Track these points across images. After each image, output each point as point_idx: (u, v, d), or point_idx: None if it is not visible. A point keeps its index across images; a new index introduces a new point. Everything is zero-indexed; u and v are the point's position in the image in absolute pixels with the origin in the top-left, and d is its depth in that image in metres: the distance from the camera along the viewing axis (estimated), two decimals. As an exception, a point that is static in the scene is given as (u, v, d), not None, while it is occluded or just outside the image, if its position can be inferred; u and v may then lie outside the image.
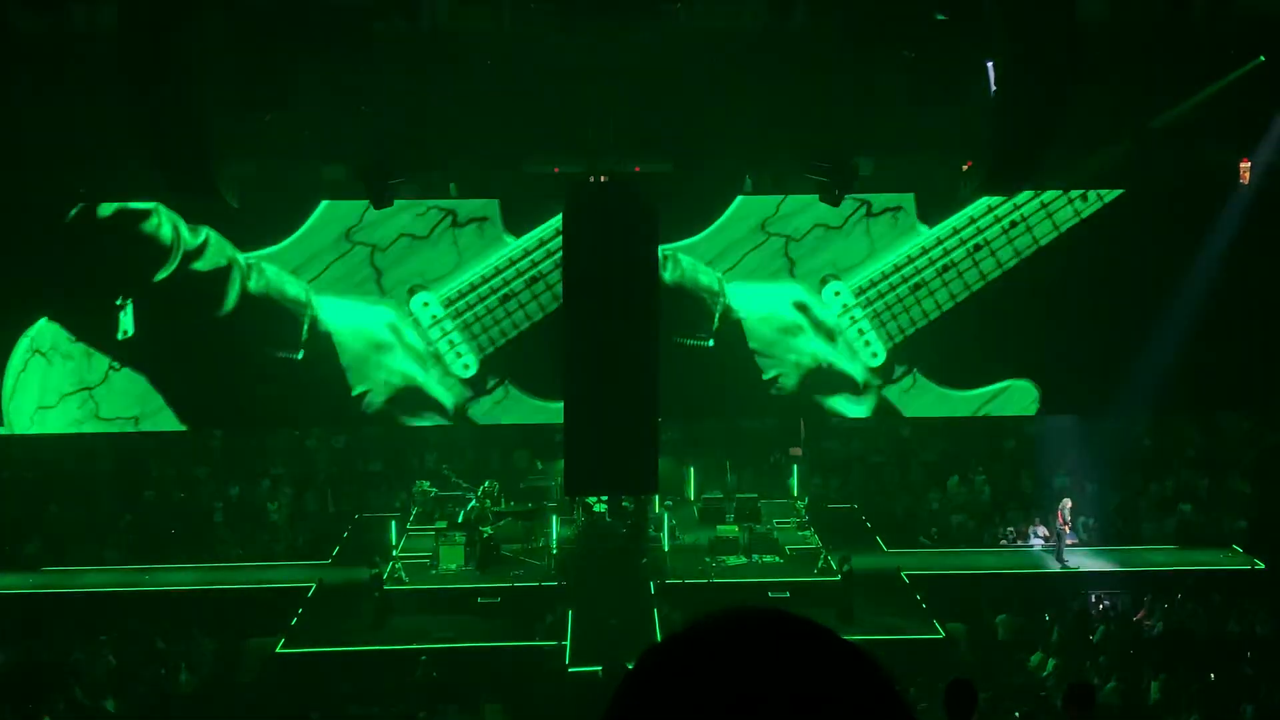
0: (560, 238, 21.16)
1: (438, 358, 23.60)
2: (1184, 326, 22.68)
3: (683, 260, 23.15)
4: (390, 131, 18.57)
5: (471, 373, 23.81)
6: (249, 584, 23.42)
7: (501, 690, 19.75)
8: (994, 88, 15.95)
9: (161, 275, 22.70)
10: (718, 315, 23.28)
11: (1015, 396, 24.23)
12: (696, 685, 1.44)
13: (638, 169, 19.35)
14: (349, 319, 23.31)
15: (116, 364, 23.15)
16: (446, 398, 23.85)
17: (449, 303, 23.41)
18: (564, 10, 15.90)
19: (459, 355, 23.69)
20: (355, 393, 23.50)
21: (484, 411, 24.13)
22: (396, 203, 21.01)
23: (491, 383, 23.91)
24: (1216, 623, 22.04)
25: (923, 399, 24.26)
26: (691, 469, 27.40)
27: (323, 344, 23.29)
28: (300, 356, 23.20)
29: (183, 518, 26.22)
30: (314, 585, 23.32)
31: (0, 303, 22.79)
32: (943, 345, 23.82)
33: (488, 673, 20.27)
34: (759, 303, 23.50)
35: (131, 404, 23.36)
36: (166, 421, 23.62)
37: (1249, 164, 20.81)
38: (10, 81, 16.63)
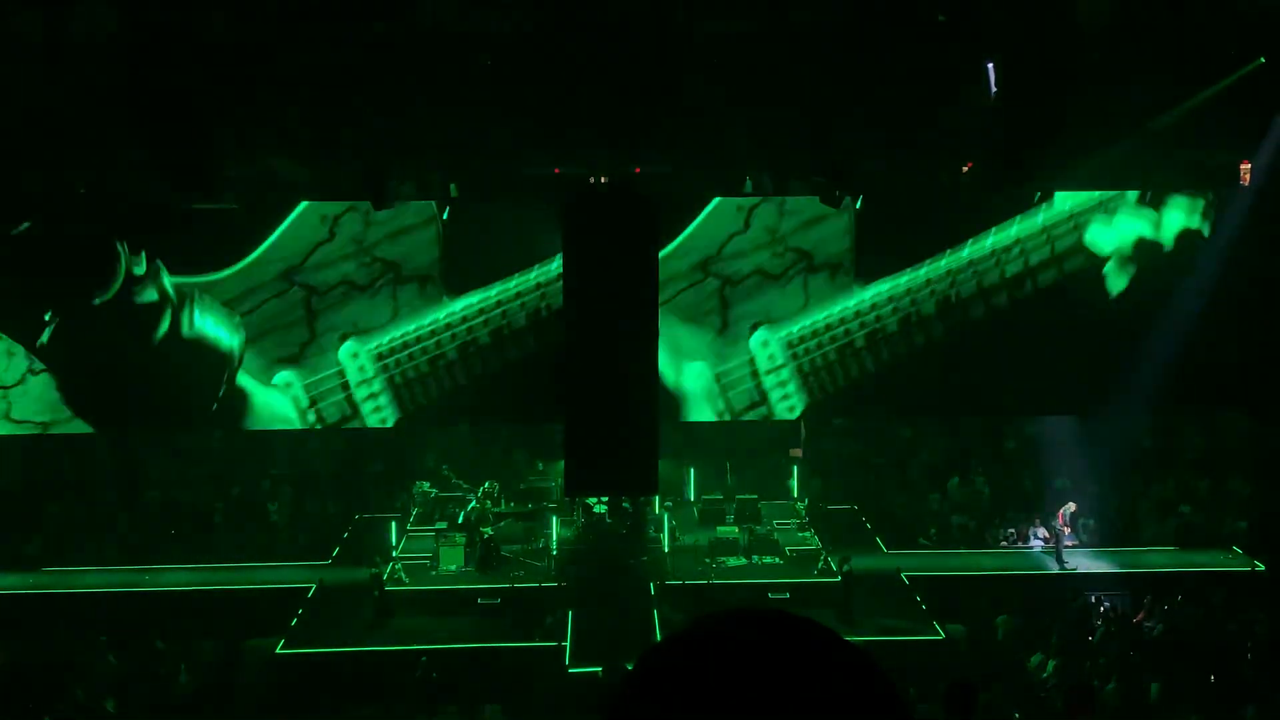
0: (498, 307, 22.69)
1: (353, 405, 23.79)
2: (1185, 326, 22.70)
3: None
4: (390, 132, 18.58)
5: (389, 427, 24.21)
6: (249, 584, 23.41)
7: (501, 691, 19.76)
8: (994, 89, 15.95)
9: (102, 299, 22.72)
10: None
11: None
12: (697, 686, 1.44)
13: (637, 170, 19.34)
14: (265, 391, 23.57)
15: (37, 367, 23.20)
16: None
17: (379, 357, 23.50)
18: (564, 10, 15.91)
19: (377, 409, 23.86)
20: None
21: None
22: (343, 249, 21.22)
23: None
24: (1216, 624, 22.03)
25: None
26: (692, 470, 27.40)
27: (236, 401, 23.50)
28: (214, 409, 23.45)
29: (183, 518, 26.22)
30: (314, 586, 23.31)
31: None
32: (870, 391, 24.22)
33: (488, 673, 20.27)
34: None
35: (44, 410, 23.41)
36: (77, 427, 23.73)
37: (1249, 165, 20.81)
38: (10, 81, 16.64)
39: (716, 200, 23.41)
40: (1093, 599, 23.18)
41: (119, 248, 22.67)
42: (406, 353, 23.44)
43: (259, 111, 17.24)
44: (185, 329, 22.87)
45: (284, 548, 25.38)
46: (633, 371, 18.22)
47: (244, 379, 23.34)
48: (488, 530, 24.16)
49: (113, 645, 21.36)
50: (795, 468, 27.71)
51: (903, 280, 23.61)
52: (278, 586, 23.28)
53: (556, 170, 19.48)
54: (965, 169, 19.36)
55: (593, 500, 25.00)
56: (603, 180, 18.80)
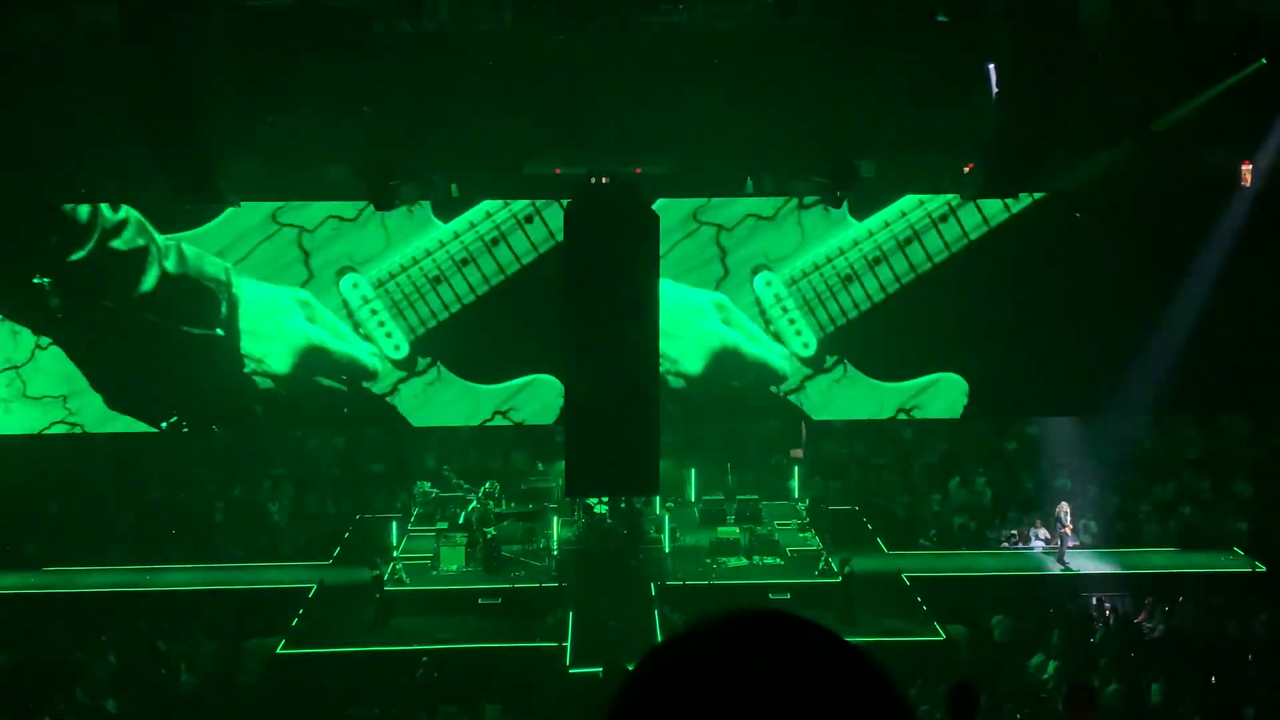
0: (487, 221, 22.22)
1: (368, 338, 23.54)
2: (1185, 328, 22.70)
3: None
4: (392, 132, 18.59)
5: (403, 354, 23.73)
6: (250, 584, 23.41)
7: (502, 691, 19.75)
8: (995, 89, 15.96)
9: (77, 255, 22.61)
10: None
11: (943, 391, 24.29)
12: (698, 687, 1.44)
13: (639, 170, 19.35)
14: (267, 302, 23.31)
15: (44, 342, 23.19)
16: (373, 363, 23.86)
17: (379, 284, 23.29)
18: (566, 11, 15.92)
19: (389, 335, 23.60)
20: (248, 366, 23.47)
21: (415, 393, 24.04)
22: None
23: (423, 364, 23.87)
24: (1217, 625, 22.02)
25: (850, 391, 24.35)
26: (692, 470, 27.39)
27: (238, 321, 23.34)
28: (220, 334, 23.15)
29: (184, 518, 26.23)
30: (315, 586, 23.31)
31: None
32: (874, 337, 23.87)
33: (488, 674, 20.26)
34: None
35: (59, 382, 23.43)
36: (93, 402, 23.62)
37: (1250, 166, 20.81)
38: (12, 80, 16.65)
39: None
40: (1093, 600, 23.18)
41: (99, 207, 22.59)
42: (405, 274, 23.25)
43: (261, 111, 17.24)
44: (172, 266, 22.76)
45: (285, 548, 25.39)
46: (634, 372, 18.22)
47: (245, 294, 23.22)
48: (490, 530, 24.16)
49: (113, 645, 21.35)
50: (796, 468, 27.72)
51: (895, 206, 23.28)
52: (278, 586, 23.28)
53: (558, 171, 19.49)
54: (966, 169, 19.36)
55: (593, 500, 25.00)
56: (604, 180, 18.80)
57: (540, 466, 27.30)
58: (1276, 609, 22.13)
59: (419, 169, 20.24)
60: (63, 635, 21.59)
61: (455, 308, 23.45)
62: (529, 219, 22.95)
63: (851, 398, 24.46)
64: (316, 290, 23.36)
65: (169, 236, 22.84)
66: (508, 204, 22.86)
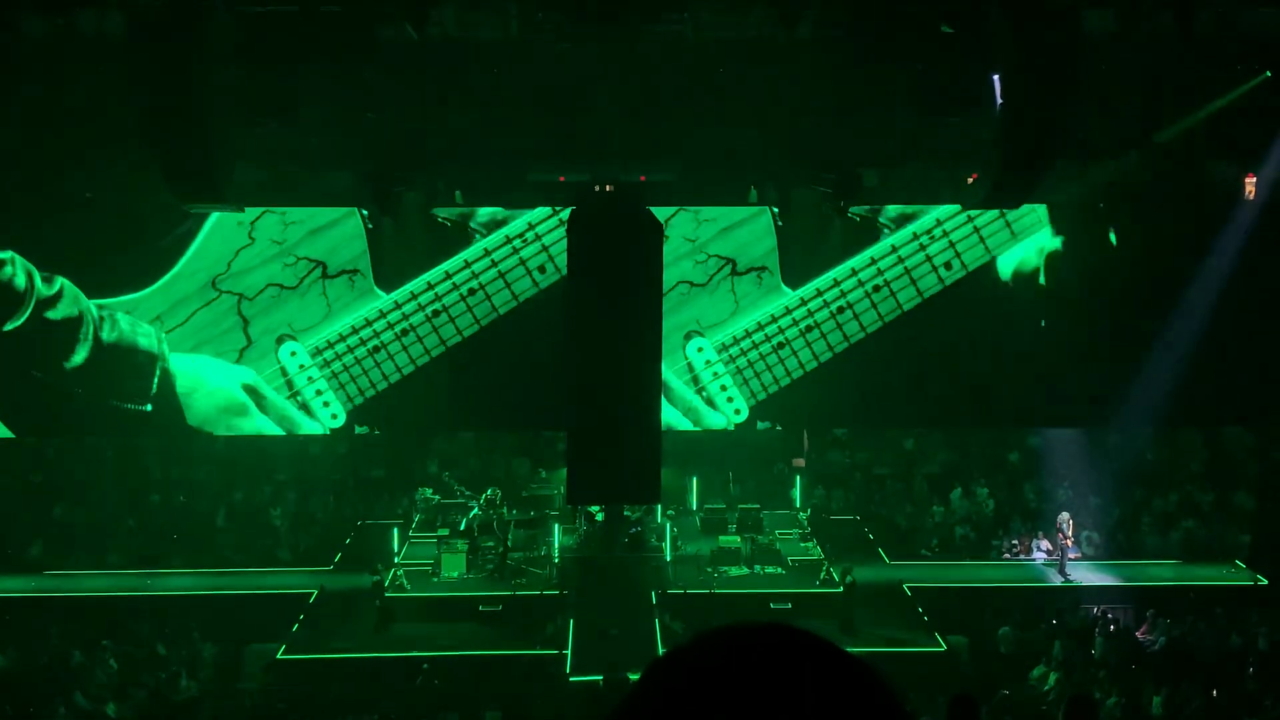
0: (429, 291, 22.64)
1: (305, 407, 23.49)
2: (1188, 341, 22.68)
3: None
4: (396, 139, 18.60)
5: (339, 423, 23.74)
6: (251, 589, 23.42)
7: (502, 699, 19.73)
8: (999, 100, 15.95)
9: (12, 325, 22.32)
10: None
11: None
12: (701, 700, 1.44)
13: (643, 178, 19.35)
14: (204, 377, 23.17)
15: None
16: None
17: (317, 352, 23.27)
18: (570, 19, 15.94)
19: (325, 405, 23.56)
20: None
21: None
22: (264, 252, 21.79)
23: (360, 431, 24.09)
24: (1219, 638, 21.99)
25: None
26: (694, 479, 27.40)
27: (171, 400, 22.99)
28: (149, 409, 22.87)
29: (185, 522, 26.24)
30: (316, 591, 23.31)
31: None
32: (805, 401, 23.93)
33: (488, 681, 20.26)
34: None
35: None
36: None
37: (1254, 179, 20.80)
38: (17, 85, 16.67)
39: None
40: (1095, 612, 23.16)
41: (22, 268, 22.34)
42: (344, 344, 23.26)
43: (265, 117, 17.24)
44: (106, 336, 22.64)
45: (286, 553, 25.40)
46: (636, 379, 18.21)
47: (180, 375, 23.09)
48: (490, 541, 24.14)
49: (113, 649, 21.35)
50: (798, 477, 27.72)
51: (829, 274, 23.40)
52: (279, 592, 23.28)
53: (561, 178, 19.50)
54: (970, 180, 19.35)
55: (595, 508, 25.00)
56: (608, 188, 18.80)
57: (543, 474, 27.30)
58: (1278, 622, 22.11)
59: (422, 176, 20.25)
60: (63, 639, 21.59)
61: (394, 378, 23.44)
62: (472, 291, 23.12)
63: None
64: (254, 358, 23.24)
65: (103, 303, 22.62)
66: (449, 275, 22.97)
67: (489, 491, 25.27)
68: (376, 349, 23.24)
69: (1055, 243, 23.30)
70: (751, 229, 23.25)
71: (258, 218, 22.69)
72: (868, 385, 23.53)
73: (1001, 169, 16.99)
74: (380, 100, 17.49)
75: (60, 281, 22.52)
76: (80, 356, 22.62)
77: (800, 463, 28.13)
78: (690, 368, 23.81)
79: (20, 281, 22.39)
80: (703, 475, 27.49)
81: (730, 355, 23.59)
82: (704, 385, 23.82)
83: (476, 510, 24.82)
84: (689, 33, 16.55)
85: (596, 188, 18.87)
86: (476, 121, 18.26)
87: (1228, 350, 23.02)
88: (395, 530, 25.41)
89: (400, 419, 23.96)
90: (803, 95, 17.64)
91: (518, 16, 16.39)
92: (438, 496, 26.56)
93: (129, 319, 22.73)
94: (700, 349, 23.58)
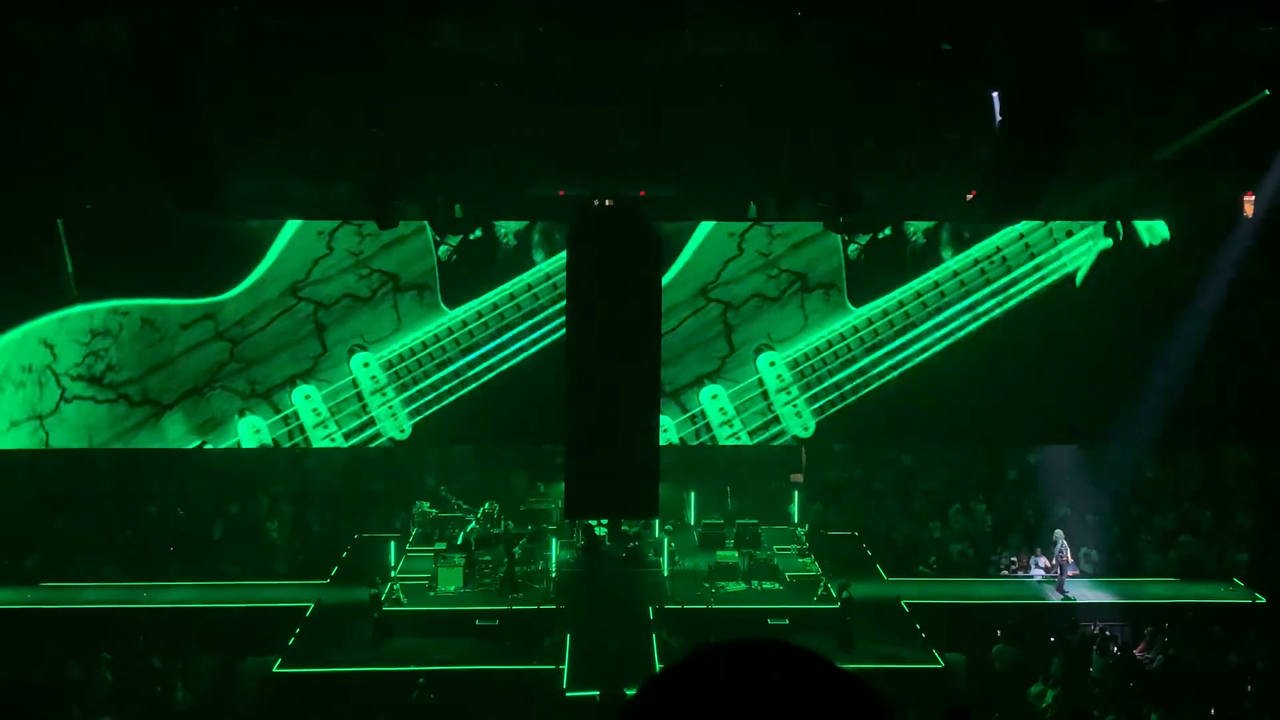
0: (495, 309, 23.47)
1: (373, 421, 24.23)
2: (1187, 359, 22.71)
3: None
4: (397, 153, 18.64)
5: (406, 436, 24.45)
6: (247, 603, 23.35)
7: (499, 713, 19.70)
8: (999, 117, 16.00)
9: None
10: None
11: None
12: (698, 717, 1.44)
13: (643, 193, 19.39)
14: None
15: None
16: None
17: (389, 365, 23.97)
18: (572, 35, 15.98)
19: (394, 418, 24.19)
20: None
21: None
22: (340, 263, 22.55)
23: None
24: (1217, 656, 21.96)
25: None
26: (692, 494, 27.38)
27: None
28: None
29: (182, 535, 26.20)
30: (312, 605, 23.26)
31: None
32: (871, 419, 24.53)
33: (485, 695, 20.20)
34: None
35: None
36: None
37: (1253, 197, 20.85)
38: (19, 96, 16.70)
39: (708, 226, 23.68)
40: (1093, 629, 23.12)
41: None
42: (415, 359, 23.86)
43: (266, 129, 17.29)
44: None
45: (283, 566, 25.35)
46: (635, 394, 18.21)
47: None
48: (487, 555, 24.10)
49: (110, 662, 21.30)
50: (796, 493, 27.68)
51: (894, 295, 24.04)
52: (276, 605, 23.22)
53: (561, 193, 19.53)
54: (970, 197, 19.39)
55: (593, 523, 24.97)
56: (607, 203, 18.83)
57: (541, 488, 27.27)
58: (1276, 641, 22.07)
59: (423, 189, 20.29)
60: (59, 651, 21.53)
61: (461, 393, 24.18)
62: (533, 313, 23.92)
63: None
64: (327, 366, 24.01)
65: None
66: (514, 297, 23.67)
67: (486, 505, 25.23)
68: (444, 364, 23.98)
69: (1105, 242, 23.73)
70: (821, 245, 23.80)
71: (336, 228, 23.43)
72: (927, 404, 24.20)
73: (1000, 186, 17.05)
74: (382, 114, 17.53)
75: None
76: None
77: (798, 478, 28.10)
78: (761, 382, 24.20)
79: None
80: (701, 490, 27.46)
81: (802, 372, 23.95)
82: (772, 400, 24.07)
83: (474, 524, 24.78)
84: (689, 48, 16.59)
85: (596, 202, 18.90)
86: (477, 136, 18.30)
87: (1227, 368, 23.05)
88: (392, 544, 25.36)
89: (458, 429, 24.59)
90: (802, 111, 17.68)
91: (519, 32, 16.43)
92: (435, 510, 26.52)
93: None
94: (772, 363, 23.97)
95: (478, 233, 23.60)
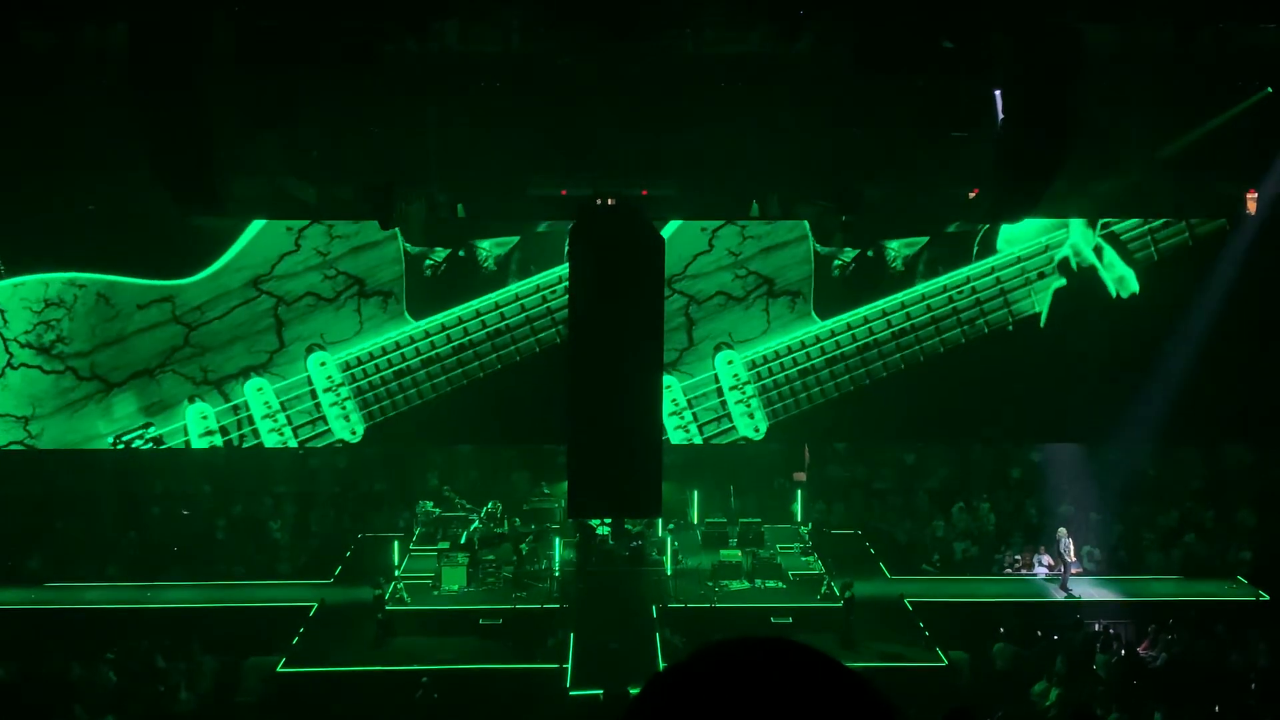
0: (459, 326, 23.44)
1: (323, 419, 24.10)
2: (1190, 357, 22.69)
3: None
4: (398, 152, 18.64)
5: (357, 439, 24.37)
6: (250, 602, 23.38)
7: (502, 712, 19.70)
8: (1001, 116, 15.98)
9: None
10: None
11: None
12: (702, 715, 1.44)
13: (645, 192, 19.39)
14: None
15: (17, 360, 23.60)
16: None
17: (346, 367, 23.84)
18: (572, 34, 15.97)
19: (347, 420, 24.06)
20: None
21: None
22: (307, 261, 22.58)
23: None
24: (1220, 654, 21.95)
25: None
26: (695, 493, 27.39)
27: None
28: None
29: (185, 535, 26.22)
30: (316, 605, 23.28)
31: None
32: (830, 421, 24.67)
33: (488, 695, 20.21)
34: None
35: (23, 404, 23.80)
36: (53, 426, 23.98)
37: (1255, 195, 20.83)
38: (19, 97, 16.70)
39: (678, 223, 23.66)
40: (1096, 627, 23.12)
41: None
42: (373, 363, 23.82)
43: (267, 129, 17.28)
44: None
45: (286, 566, 25.37)
46: (637, 393, 18.19)
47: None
48: (490, 555, 24.10)
49: (113, 662, 21.31)
50: (799, 492, 27.70)
51: (859, 311, 24.09)
52: (279, 605, 23.25)
53: (563, 192, 19.52)
54: (971, 195, 19.38)
55: (595, 522, 24.98)
56: (609, 202, 18.82)
57: (545, 489, 27.27)
58: (1279, 638, 22.06)
59: (423, 189, 20.29)
60: (62, 651, 21.55)
61: (416, 403, 24.11)
62: (498, 333, 23.88)
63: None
64: (283, 362, 23.91)
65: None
66: (479, 314, 23.62)
67: (489, 505, 25.26)
68: (402, 373, 23.77)
69: (1061, 281, 23.77)
70: (792, 253, 23.75)
71: (306, 226, 23.34)
72: (886, 405, 24.18)
73: (1003, 184, 17.03)
74: (382, 113, 17.53)
75: None
76: None
77: (801, 477, 28.11)
78: (716, 379, 24.15)
79: None
80: (704, 489, 27.48)
81: (759, 374, 23.88)
82: (726, 398, 24.06)
83: (477, 523, 24.80)
84: (691, 48, 16.59)
85: (598, 201, 18.90)
86: (478, 135, 18.30)
87: (1229, 367, 23.03)
88: (395, 544, 25.38)
89: (411, 434, 24.42)
90: (804, 110, 17.67)
91: (519, 31, 16.42)
92: (438, 510, 26.53)
93: None
94: (730, 361, 23.91)
95: (460, 252, 23.50)
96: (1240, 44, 16.67)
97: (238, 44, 15.41)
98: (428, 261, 23.65)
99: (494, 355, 23.76)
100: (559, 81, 16.95)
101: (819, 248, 23.53)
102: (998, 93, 15.94)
